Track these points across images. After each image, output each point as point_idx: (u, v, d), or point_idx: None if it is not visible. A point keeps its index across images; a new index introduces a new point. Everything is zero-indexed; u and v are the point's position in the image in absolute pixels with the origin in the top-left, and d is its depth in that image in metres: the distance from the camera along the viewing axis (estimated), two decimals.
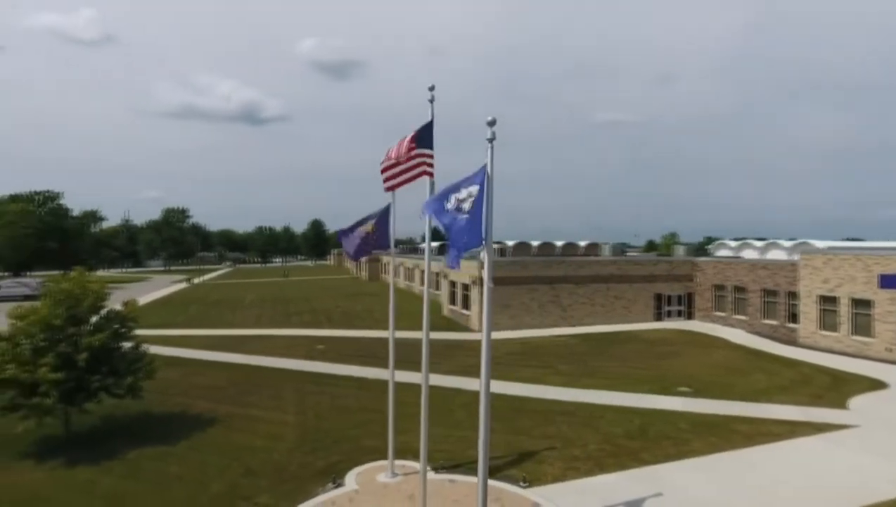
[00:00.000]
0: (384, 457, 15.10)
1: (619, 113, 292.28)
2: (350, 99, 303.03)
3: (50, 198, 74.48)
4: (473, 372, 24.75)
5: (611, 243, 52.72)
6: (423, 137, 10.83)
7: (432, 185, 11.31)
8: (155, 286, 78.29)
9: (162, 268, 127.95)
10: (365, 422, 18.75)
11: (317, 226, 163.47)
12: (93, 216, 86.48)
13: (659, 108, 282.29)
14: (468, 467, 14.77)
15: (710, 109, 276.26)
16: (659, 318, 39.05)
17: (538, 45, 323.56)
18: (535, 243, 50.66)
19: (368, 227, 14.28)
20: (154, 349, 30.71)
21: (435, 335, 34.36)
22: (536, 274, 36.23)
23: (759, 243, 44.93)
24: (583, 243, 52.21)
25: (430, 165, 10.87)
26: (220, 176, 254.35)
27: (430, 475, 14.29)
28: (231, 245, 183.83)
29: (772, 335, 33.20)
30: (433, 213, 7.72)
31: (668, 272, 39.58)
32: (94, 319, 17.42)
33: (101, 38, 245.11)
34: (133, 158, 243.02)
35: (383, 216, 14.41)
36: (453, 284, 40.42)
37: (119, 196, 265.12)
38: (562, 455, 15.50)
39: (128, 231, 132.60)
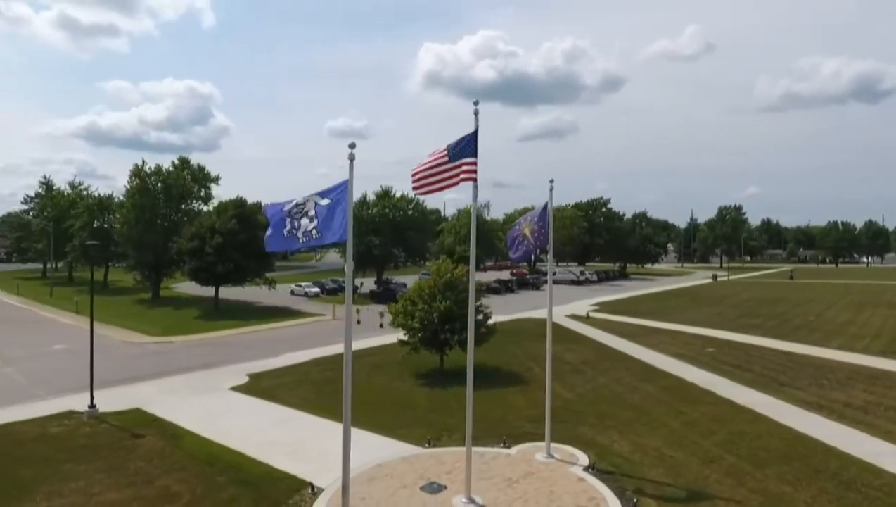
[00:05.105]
0: (579, 445, 16.29)
1: None
2: None
3: (602, 204, 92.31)
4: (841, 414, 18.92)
5: None
6: (466, 147, 12.47)
7: (475, 189, 12.90)
8: (681, 281, 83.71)
9: (717, 264, 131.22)
10: (609, 415, 19.28)
11: None
12: (643, 217, 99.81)
13: None
14: (618, 475, 14.28)
15: None
16: None
17: None
18: None
19: (527, 227, 16.01)
20: (577, 328, 37.05)
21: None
22: None
23: None
24: None
25: (474, 172, 12.47)
26: (816, 166, 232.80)
27: (574, 468, 14.86)
28: (807, 242, 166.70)
29: None
30: (269, 215, 10.46)
31: None
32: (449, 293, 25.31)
33: (702, 50, 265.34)
34: (728, 158, 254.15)
35: (542, 216, 15.84)
36: None
37: (715, 196, 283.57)
38: None
39: (694, 229, 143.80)
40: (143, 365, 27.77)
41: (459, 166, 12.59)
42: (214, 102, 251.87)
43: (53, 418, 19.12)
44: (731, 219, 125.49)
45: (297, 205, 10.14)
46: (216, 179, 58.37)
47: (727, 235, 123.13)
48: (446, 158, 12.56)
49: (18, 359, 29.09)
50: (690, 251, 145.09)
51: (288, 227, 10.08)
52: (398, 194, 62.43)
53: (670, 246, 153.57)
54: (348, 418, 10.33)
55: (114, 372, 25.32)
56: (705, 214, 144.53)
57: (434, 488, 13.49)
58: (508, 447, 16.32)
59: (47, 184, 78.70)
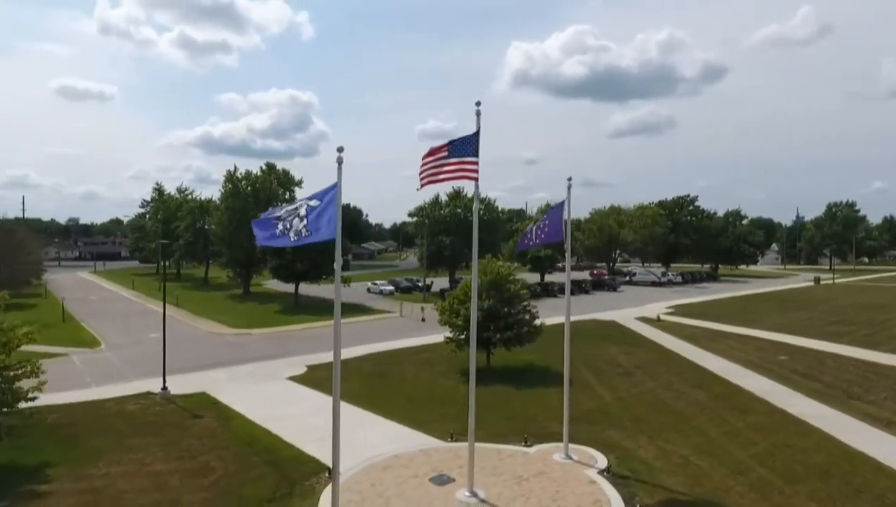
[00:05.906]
0: (602, 448, 16.17)
1: None
2: None
3: (689, 202, 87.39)
4: None
5: None
6: (468, 146, 12.73)
7: (476, 187, 13.17)
8: (777, 284, 77.65)
9: (826, 266, 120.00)
10: (644, 420, 18.84)
11: None
12: (736, 215, 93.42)
13: None
14: (632, 480, 14.08)
15: None
16: None
17: None
18: None
19: (541, 221, 16.13)
20: (643, 330, 35.76)
21: None
22: None
23: None
24: None
25: (475, 172, 12.76)
26: None
27: (589, 470, 14.81)
28: None
29: None
30: (264, 217, 11.24)
31: None
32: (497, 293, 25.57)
33: (816, 33, 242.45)
34: (847, 150, 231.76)
35: (557, 211, 15.87)
36: None
37: (830, 192, 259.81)
38: None
39: (799, 228, 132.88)
40: (220, 354, 30.42)
41: (460, 164, 12.95)
42: (314, 109, 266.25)
43: (132, 397, 21.64)
44: (842, 217, 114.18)
45: (288, 210, 11.10)
46: (299, 183, 62.09)
47: (837, 235, 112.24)
48: (447, 153, 12.97)
49: (120, 345, 32.87)
50: (795, 252, 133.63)
51: (280, 227, 11.02)
52: (470, 194, 63.16)
53: (774, 246, 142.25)
54: (338, 416, 11.07)
55: (193, 359, 28.04)
56: (816, 213, 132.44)
57: (443, 479, 13.98)
58: (529, 446, 16.45)
59: (159, 189, 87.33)
